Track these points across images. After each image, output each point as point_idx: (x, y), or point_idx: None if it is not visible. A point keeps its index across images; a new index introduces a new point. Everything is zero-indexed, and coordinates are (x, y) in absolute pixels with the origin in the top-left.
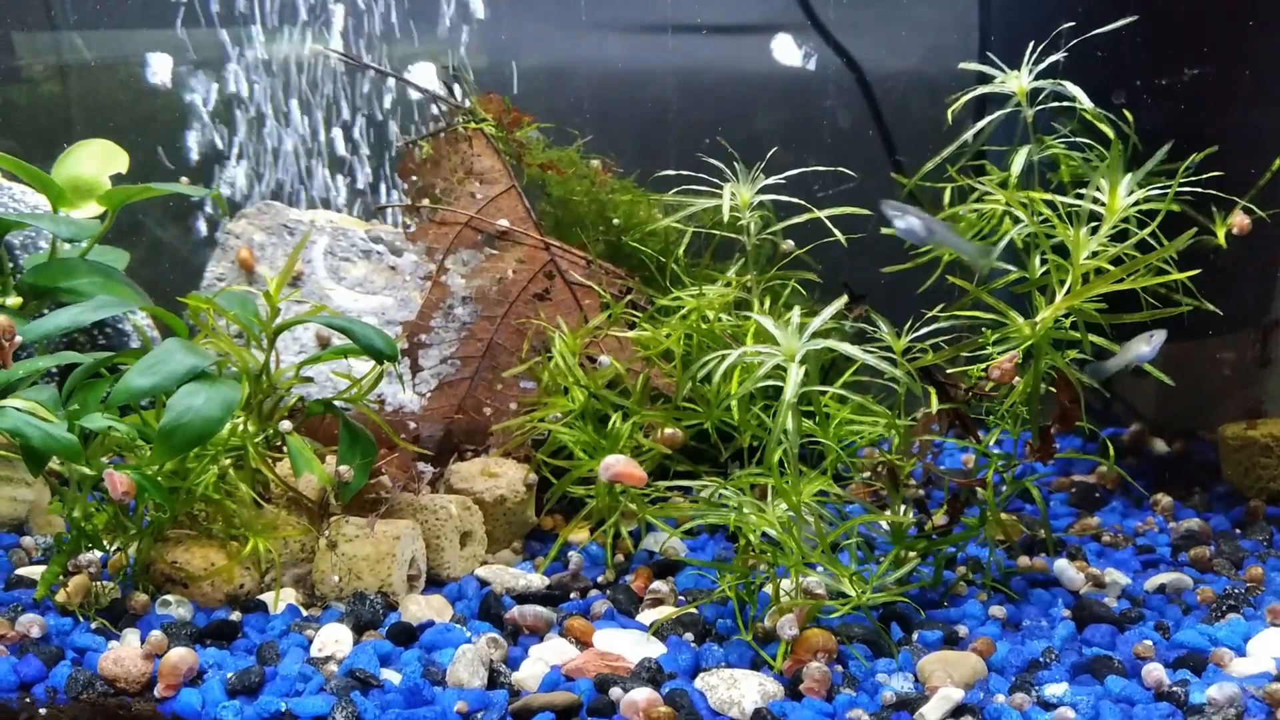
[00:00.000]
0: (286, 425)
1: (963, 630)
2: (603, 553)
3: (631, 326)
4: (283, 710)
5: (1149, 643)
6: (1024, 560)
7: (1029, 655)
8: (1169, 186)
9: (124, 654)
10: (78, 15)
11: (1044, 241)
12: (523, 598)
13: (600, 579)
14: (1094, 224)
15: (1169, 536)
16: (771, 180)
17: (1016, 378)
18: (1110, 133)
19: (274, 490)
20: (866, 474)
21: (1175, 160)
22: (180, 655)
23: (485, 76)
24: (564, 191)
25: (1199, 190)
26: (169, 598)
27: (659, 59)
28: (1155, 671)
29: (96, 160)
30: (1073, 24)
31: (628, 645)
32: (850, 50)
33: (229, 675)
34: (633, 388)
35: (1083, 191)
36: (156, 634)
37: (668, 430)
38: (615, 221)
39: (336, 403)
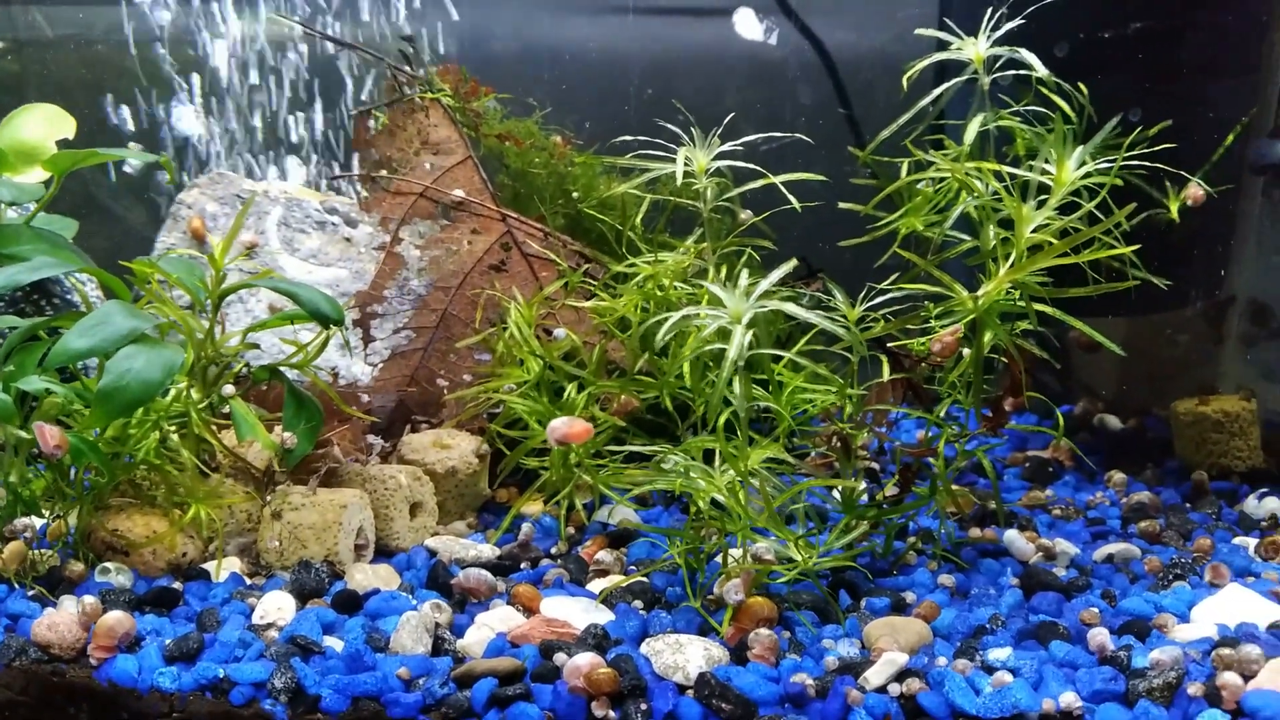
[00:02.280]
0: (229, 389)
1: (910, 597)
2: (556, 524)
3: (589, 298)
4: (221, 676)
5: (1095, 610)
6: (975, 531)
7: (976, 622)
8: (1124, 160)
9: (59, 620)
10: None
11: (990, 215)
12: (472, 567)
13: (553, 550)
14: (1044, 197)
15: (1120, 509)
16: (728, 146)
17: (965, 350)
18: (1063, 104)
19: (221, 458)
20: (823, 448)
21: (1130, 133)
22: (116, 619)
23: (449, 52)
24: (522, 163)
25: (1155, 165)
26: (109, 565)
27: (626, 38)
28: (1099, 636)
29: (42, 125)
30: None
31: (575, 612)
32: (814, 28)
33: (167, 642)
34: (589, 359)
35: (1033, 163)
36: (90, 599)
37: (623, 398)
38: (574, 194)
39: (288, 373)
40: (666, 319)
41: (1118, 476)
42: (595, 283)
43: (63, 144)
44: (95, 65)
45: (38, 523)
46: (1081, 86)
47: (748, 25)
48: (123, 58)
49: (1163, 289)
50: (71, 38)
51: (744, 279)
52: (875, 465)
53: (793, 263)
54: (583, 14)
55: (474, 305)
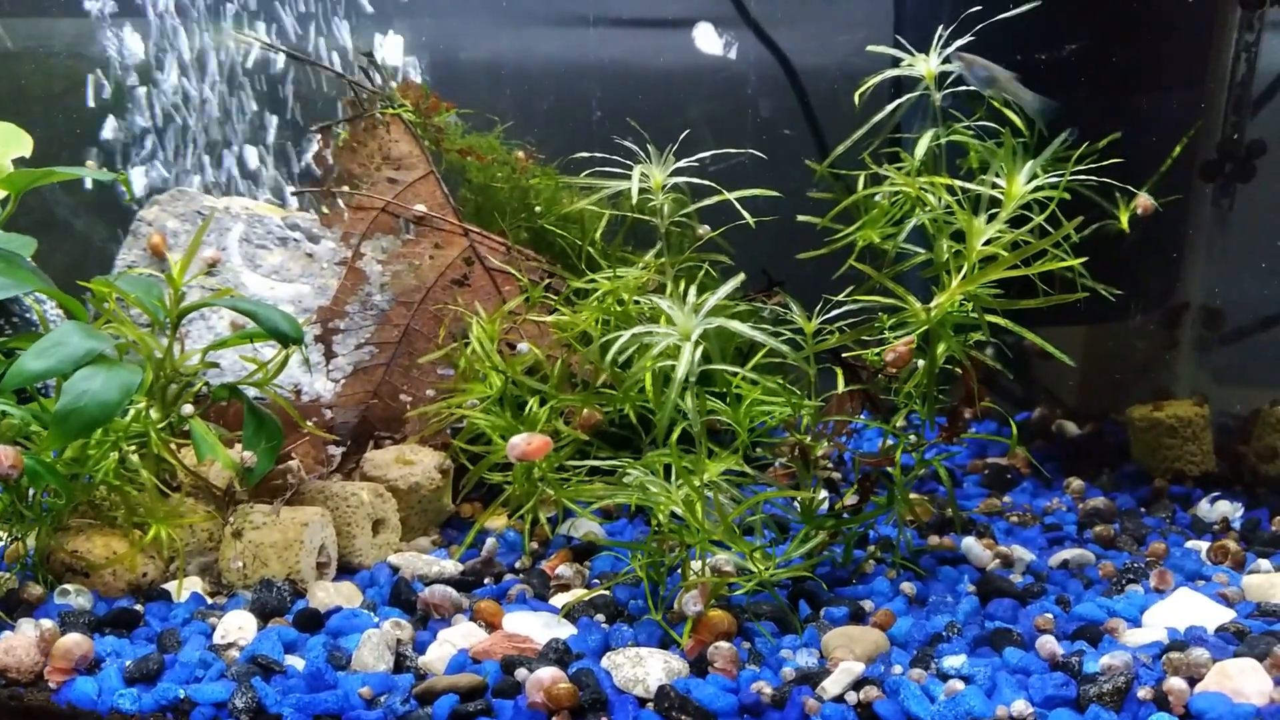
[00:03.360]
0: (188, 409)
1: (869, 606)
2: (520, 539)
3: (551, 312)
4: (181, 697)
5: (1050, 615)
6: (934, 539)
7: (932, 630)
8: (1073, 172)
9: (16, 643)
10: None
11: (944, 229)
12: (435, 584)
13: (517, 564)
14: (995, 210)
15: (1076, 515)
16: (684, 163)
17: (919, 361)
18: (1015, 118)
19: (181, 477)
20: (783, 459)
21: (1079, 145)
22: (74, 641)
23: (410, 68)
24: (485, 178)
25: (1104, 179)
26: (68, 587)
27: (586, 52)
28: (1049, 644)
29: None
30: (979, 8)
31: (537, 628)
32: (777, 42)
33: (127, 663)
34: (551, 373)
35: (984, 177)
36: (48, 622)
37: (585, 412)
38: (537, 208)
39: (249, 390)
40: (616, 337)
41: (1076, 483)
42: (557, 298)
43: (19, 162)
44: (55, 78)
45: None
46: None
47: (707, 39)
48: (84, 70)
49: (1119, 297)
50: (31, 50)
51: (691, 295)
52: (836, 475)
53: (740, 278)
54: (544, 26)
55: (437, 320)
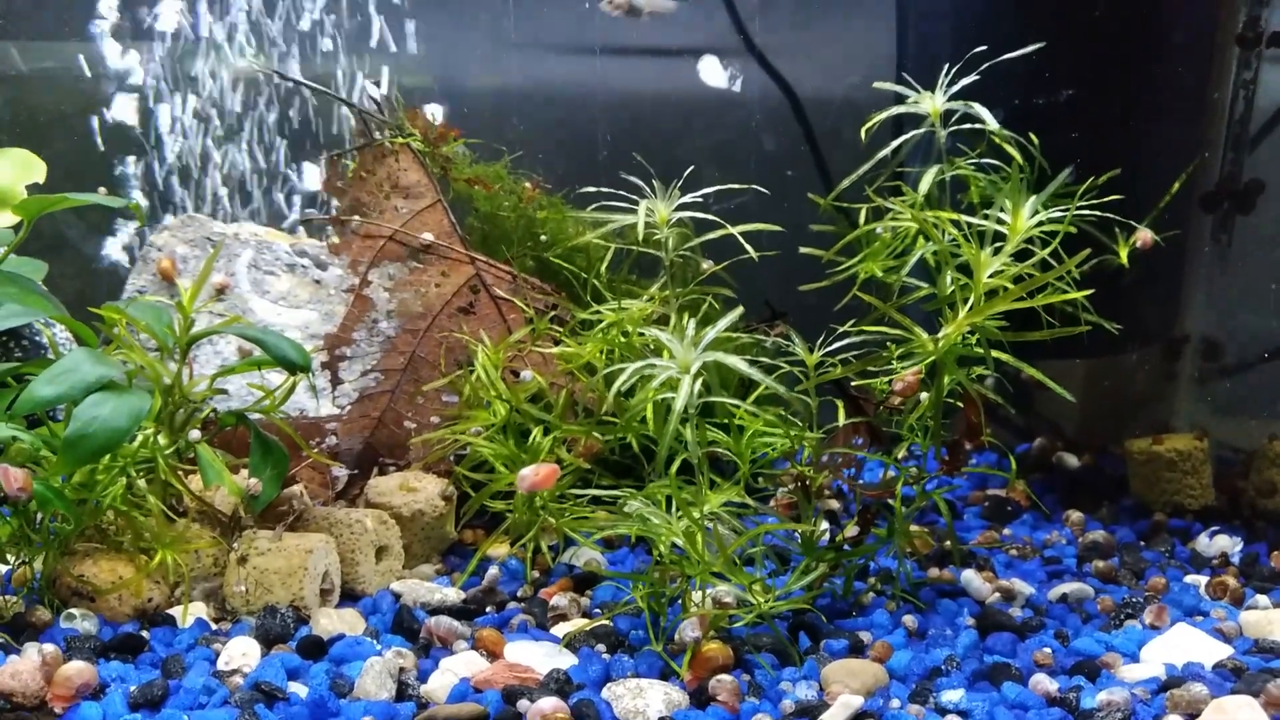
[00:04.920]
0: (195, 435)
1: (868, 638)
2: (522, 567)
3: (557, 343)
4: None
5: (1048, 650)
6: (934, 571)
7: (931, 663)
8: (1073, 208)
9: (21, 668)
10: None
11: (949, 261)
12: (437, 611)
13: (519, 593)
14: (999, 244)
15: (1076, 548)
16: (688, 199)
17: (922, 392)
18: (1016, 155)
19: (188, 503)
20: (786, 488)
21: (1081, 181)
22: (75, 669)
23: (418, 95)
24: (492, 207)
25: (1104, 214)
26: (74, 611)
27: (593, 80)
28: (1043, 682)
29: (12, 170)
30: (984, 49)
31: (539, 657)
32: (784, 74)
33: (131, 689)
34: (555, 402)
35: (988, 212)
36: (50, 647)
37: (585, 441)
38: (543, 238)
39: (255, 416)
40: (619, 370)
41: (1075, 515)
42: (562, 330)
43: (32, 189)
44: (68, 101)
45: (2, 569)
46: (1033, 137)
47: (712, 72)
48: (95, 93)
49: (1120, 330)
50: (45, 71)
51: (690, 329)
52: (837, 505)
53: (739, 311)
54: (550, 54)
55: (442, 347)
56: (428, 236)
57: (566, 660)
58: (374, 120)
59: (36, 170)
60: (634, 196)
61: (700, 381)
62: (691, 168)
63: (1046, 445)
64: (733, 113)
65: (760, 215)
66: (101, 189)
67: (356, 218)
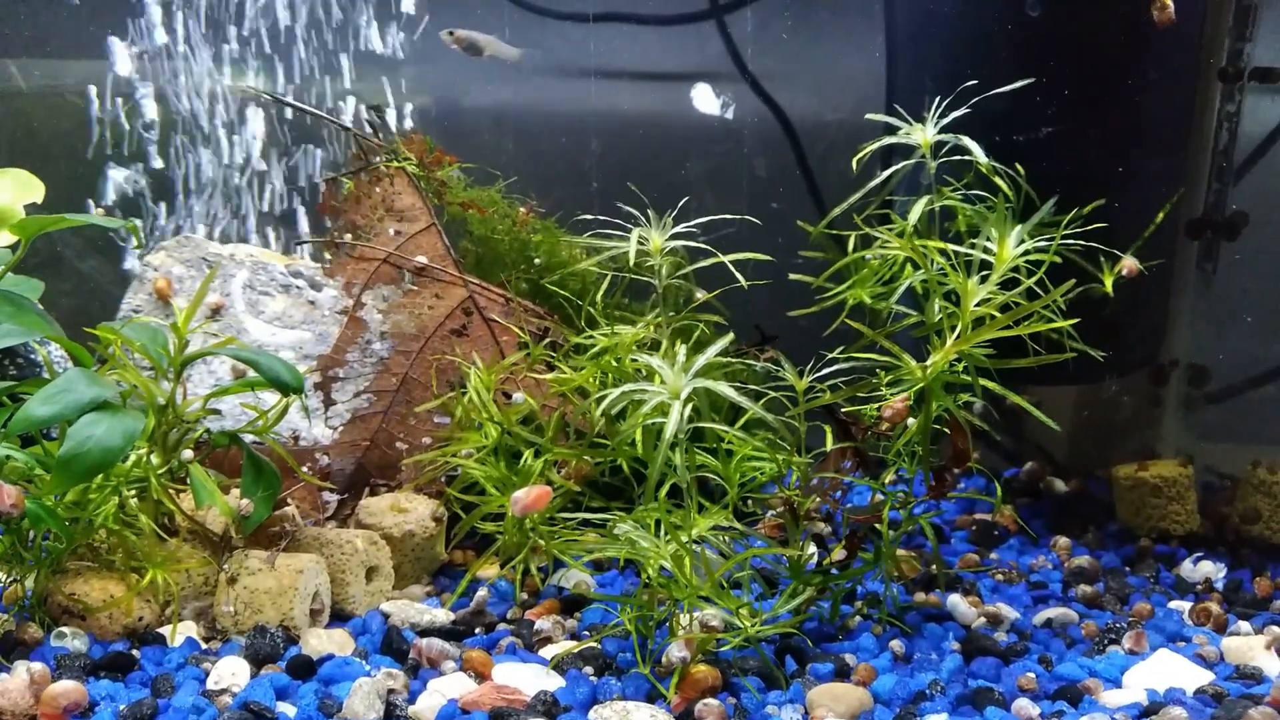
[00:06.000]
0: (187, 455)
1: (854, 662)
2: (511, 589)
3: (551, 367)
4: None
5: (1032, 675)
6: (920, 595)
7: (916, 687)
8: (1058, 237)
9: (10, 686)
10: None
11: (937, 289)
12: (427, 633)
13: (509, 614)
14: (985, 272)
15: (1061, 573)
16: (681, 228)
17: (910, 418)
18: (1004, 185)
19: (180, 523)
20: (774, 511)
21: (1066, 210)
22: (62, 689)
23: (411, 116)
24: (486, 230)
25: (1090, 244)
26: (64, 630)
27: (588, 104)
28: (1026, 708)
29: (10, 190)
30: (975, 82)
31: (526, 679)
32: (777, 100)
33: (121, 708)
34: (547, 424)
35: (975, 241)
36: (39, 666)
37: (574, 463)
38: (537, 261)
39: (247, 436)
40: (607, 395)
41: (1062, 540)
42: (555, 355)
43: (30, 209)
44: (67, 118)
45: None
46: (1019, 167)
47: (705, 100)
48: (91, 111)
49: (1106, 357)
50: (48, 89)
51: (681, 355)
52: (826, 528)
53: (730, 337)
54: (545, 77)
55: (434, 369)
56: (422, 259)
57: (554, 682)
58: (370, 144)
59: (35, 190)
60: (626, 224)
61: (690, 407)
62: (686, 199)
63: (1035, 470)
64: (725, 139)
65: (752, 239)
66: (98, 209)
67: (349, 239)
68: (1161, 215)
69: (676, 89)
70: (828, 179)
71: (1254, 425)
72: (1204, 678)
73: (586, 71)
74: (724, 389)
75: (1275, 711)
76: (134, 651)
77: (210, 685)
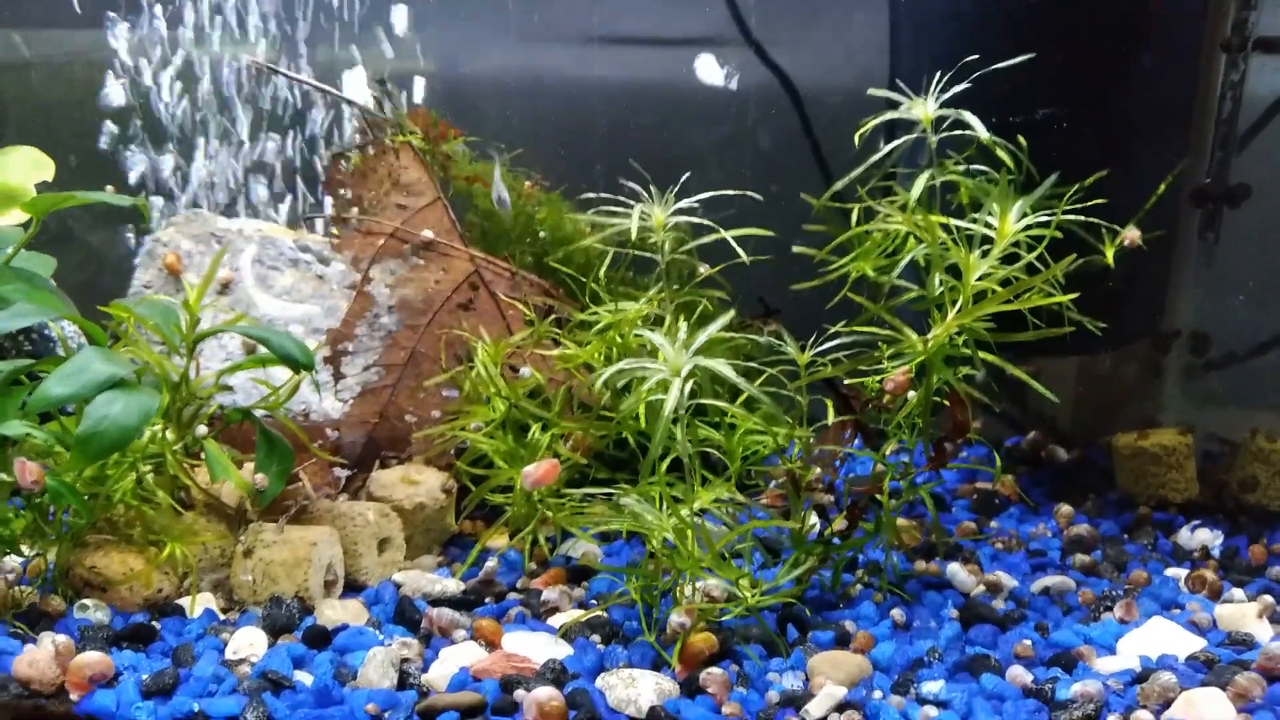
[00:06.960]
0: (203, 430)
1: (854, 630)
2: (521, 559)
3: (555, 343)
4: (195, 710)
5: (1028, 642)
6: (920, 564)
7: (914, 654)
8: (1060, 211)
9: (38, 656)
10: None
11: (939, 262)
12: (438, 602)
13: (518, 584)
14: (987, 247)
15: (1060, 541)
16: (685, 204)
17: (910, 391)
18: (1006, 158)
19: (194, 496)
20: (777, 482)
21: (1067, 185)
22: (88, 659)
23: (414, 89)
24: (490, 204)
25: (1090, 219)
26: (87, 602)
27: (593, 72)
28: (1020, 674)
29: (21, 168)
30: (976, 57)
31: (535, 647)
32: (783, 68)
33: (144, 677)
34: (553, 398)
35: (977, 215)
36: (63, 638)
37: (577, 435)
38: (542, 234)
39: (259, 411)
40: (615, 368)
41: (1064, 509)
42: (561, 331)
43: (41, 186)
44: (75, 89)
45: (18, 560)
46: (1021, 140)
47: (708, 70)
48: (101, 82)
49: (1107, 327)
50: (49, 58)
51: (682, 331)
52: (829, 499)
53: (731, 314)
54: (547, 44)
55: (442, 342)
56: (428, 233)
57: (562, 650)
58: (376, 118)
59: (45, 168)
60: (630, 201)
61: (691, 383)
62: (688, 174)
63: (1038, 439)
64: (730, 108)
65: (756, 211)
66: (109, 186)
67: (357, 214)
68: (1164, 186)
69: (681, 58)
70: (833, 147)
71: (1253, 394)
72: (1196, 644)
73: (590, 38)
74: (723, 368)
75: (1261, 676)
76: (154, 623)
77: (229, 655)
